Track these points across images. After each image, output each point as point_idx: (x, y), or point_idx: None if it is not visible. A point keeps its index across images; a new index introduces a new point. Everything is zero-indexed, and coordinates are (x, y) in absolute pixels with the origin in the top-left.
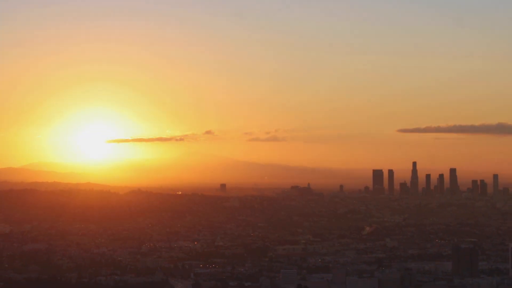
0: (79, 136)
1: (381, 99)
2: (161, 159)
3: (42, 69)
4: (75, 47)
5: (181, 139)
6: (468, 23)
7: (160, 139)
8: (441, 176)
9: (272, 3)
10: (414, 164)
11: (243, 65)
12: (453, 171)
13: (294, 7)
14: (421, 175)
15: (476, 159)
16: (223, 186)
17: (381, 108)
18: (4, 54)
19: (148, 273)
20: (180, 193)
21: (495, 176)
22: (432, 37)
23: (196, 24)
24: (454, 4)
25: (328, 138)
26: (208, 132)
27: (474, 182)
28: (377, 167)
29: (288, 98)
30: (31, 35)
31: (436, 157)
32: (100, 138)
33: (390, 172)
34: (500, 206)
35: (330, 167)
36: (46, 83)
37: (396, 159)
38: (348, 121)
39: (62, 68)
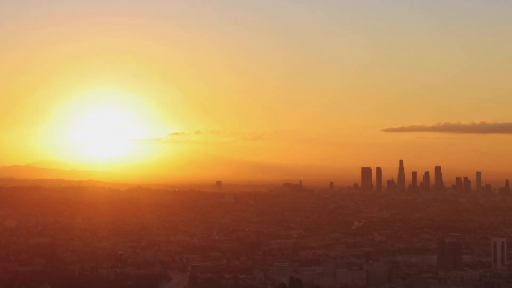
0: (80, 135)
1: (365, 99)
2: (156, 157)
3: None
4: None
5: (172, 138)
6: (456, 25)
7: (152, 139)
8: (426, 173)
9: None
10: (401, 162)
11: (228, 68)
12: (438, 168)
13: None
14: (408, 173)
15: (460, 157)
16: (218, 183)
17: (366, 108)
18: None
19: (147, 266)
20: (174, 190)
21: (478, 174)
22: (417, 39)
23: (191, 25)
24: (440, 7)
25: (312, 138)
26: (198, 132)
27: (458, 179)
28: (365, 165)
29: (271, 100)
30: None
31: (422, 155)
32: (100, 137)
33: (378, 169)
34: (483, 202)
35: (321, 165)
36: (47, 80)
37: (383, 157)
38: (330, 122)
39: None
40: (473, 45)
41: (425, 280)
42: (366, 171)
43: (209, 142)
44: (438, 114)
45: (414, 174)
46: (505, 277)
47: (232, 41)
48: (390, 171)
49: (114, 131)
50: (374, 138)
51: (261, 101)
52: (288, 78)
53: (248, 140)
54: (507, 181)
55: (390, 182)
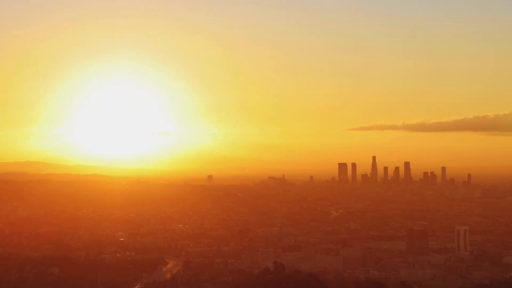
0: (81, 133)
1: (343, 100)
2: (151, 154)
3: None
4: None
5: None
6: (421, 24)
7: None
8: (396, 168)
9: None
10: (374, 158)
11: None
12: (407, 164)
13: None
14: (380, 168)
15: (427, 154)
16: (210, 177)
17: (341, 108)
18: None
19: (146, 251)
20: (169, 183)
21: (443, 169)
22: (384, 40)
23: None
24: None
25: (293, 137)
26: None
27: (425, 173)
28: (342, 161)
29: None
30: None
31: (392, 152)
32: (99, 135)
33: (353, 165)
34: (447, 194)
35: (301, 161)
36: (52, 79)
37: (357, 154)
38: (309, 122)
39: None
40: (437, 45)
41: (396, 264)
42: (342, 166)
43: (201, 140)
44: (406, 113)
45: (385, 169)
46: (467, 262)
47: (226, 39)
48: (364, 166)
49: (112, 128)
50: (349, 137)
51: (248, 102)
52: (276, 78)
53: (231, 137)
54: (469, 175)
55: (364, 176)
